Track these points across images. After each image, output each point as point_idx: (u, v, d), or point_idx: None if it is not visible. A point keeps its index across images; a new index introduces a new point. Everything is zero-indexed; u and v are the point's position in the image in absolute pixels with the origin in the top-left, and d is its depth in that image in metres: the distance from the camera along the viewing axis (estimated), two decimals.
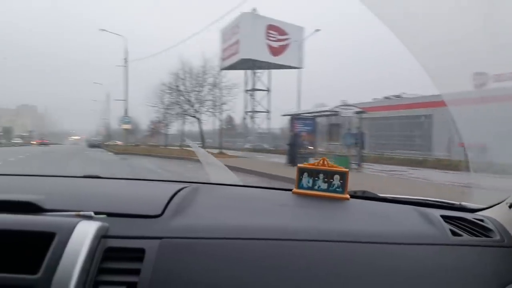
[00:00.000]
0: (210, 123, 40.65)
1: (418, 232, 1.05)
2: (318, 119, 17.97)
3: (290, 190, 1.35)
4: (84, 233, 0.84)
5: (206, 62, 37.18)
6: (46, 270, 0.77)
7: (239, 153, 32.54)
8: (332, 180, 1.29)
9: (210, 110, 36.66)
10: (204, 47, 44.95)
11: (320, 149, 17.60)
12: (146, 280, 0.81)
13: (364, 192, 1.43)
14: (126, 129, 38.63)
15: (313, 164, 1.32)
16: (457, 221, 1.18)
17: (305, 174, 1.31)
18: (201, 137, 36.48)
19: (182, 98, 37.94)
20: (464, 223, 1.17)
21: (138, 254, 0.86)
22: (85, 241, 0.82)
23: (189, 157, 17.29)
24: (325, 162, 1.32)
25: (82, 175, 1.62)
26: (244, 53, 48.74)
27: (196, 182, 1.46)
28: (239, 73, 44.88)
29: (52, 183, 1.51)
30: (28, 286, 0.76)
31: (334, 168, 1.30)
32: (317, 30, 38.73)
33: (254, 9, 49.65)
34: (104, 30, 36.63)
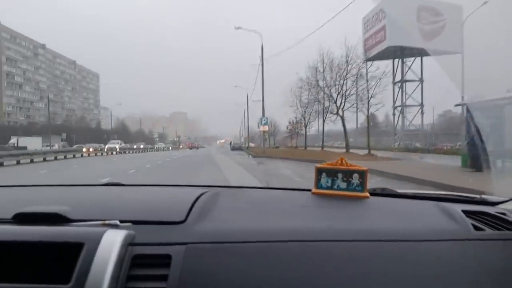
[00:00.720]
0: (348, 121, 36.49)
1: (440, 228, 1.05)
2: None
3: (309, 190, 1.35)
4: (112, 242, 0.85)
5: (348, 51, 32.52)
6: (77, 279, 0.78)
7: (390, 154, 27.87)
8: (351, 179, 1.29)
9: (355, 105, 32.20)
10: (345, 33, 41.00)
11: None
12: (174, 286, 0.82)
13: (383, 189, 1.43)
14: (264, 131, 36.67)
15: (331, 164, 1.33)
16: (478, 215, 1.17)
17: (324, 174, 1.31)
18: (345, 137, 32.58)
19: (322, 94, 34.49)
20: (486, 217, 1.16)
21: (164, 260, 0.87)
22: (113, 249, 0.83)
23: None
24: (343, 162, 1.32)
25: (104, 183, 1.67)
26: (392, 40, 43.53)
27: (215, 186, 1.47)
28: (385, 64, 39.75)
29: (75, 193, 1.56)
30: None
31: (353, 167, 1.30)
32: (485, 2, 31.70)
33: None
34: (240, 28, 35.08)
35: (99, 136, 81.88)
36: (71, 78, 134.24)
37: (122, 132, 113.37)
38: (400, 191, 1.44)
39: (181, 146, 68.98)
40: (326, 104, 34.71)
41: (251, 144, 64.53)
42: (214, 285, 0.83)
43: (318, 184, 1.32)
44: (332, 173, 1.30)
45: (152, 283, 0.83)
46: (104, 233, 0.86)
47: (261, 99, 34.30)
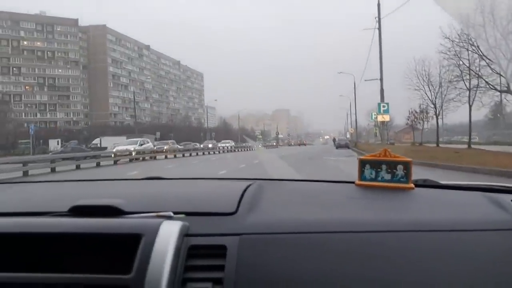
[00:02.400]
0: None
1: (488, 218, 1.03)
2: None
3: (352, 182, 1.34)
4: (169, 233, 0.87)
5: None
6: (138, 270, 0.80)
7: None
8: (395, 171, 1.28)
9: None
10: None
11: None
12: (231, 276, 0.83)
13: (425, 180, 1.41)
14: (382, 122, 25.86)
15: (375, 155, 1.32)
16: None
17: (367, 166, 1.31)
18: None
19: (475, 64, 23.32)
20: None
21: (220, 251, 0.88)
22: (171, 240, 0.85)
23: None
24: (387, 153, 1.31)
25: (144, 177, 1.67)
26: None
27: (258, 178, 1.46)
28: None
29: (125, 187, 1.61)
30: (123, 285, 0.80)
31: (397, 159, 1.29)
32: None
33: None
34: None
35: (196, 135, 77.96)
36: (175, 78, 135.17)
37: (224, 130, 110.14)
38: (442, 182, 1.43)
39: (274, 144, 61.31)
40: (477, 80, 23.58)
41: (355, 140, 54.34)
42: (269, 275, 0.84)
43: (361, 176, 1.31)
44: (376, 164, 1.30)
45: (209, 273, 0.83)
46: (160, 224, 0.88)
47: (378, 77, 24.04)
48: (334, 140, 72.53)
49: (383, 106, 23.88)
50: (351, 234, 0.93)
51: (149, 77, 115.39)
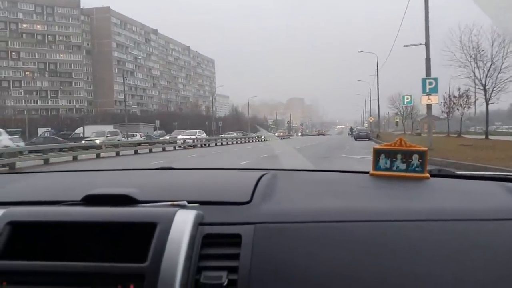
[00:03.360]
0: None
1: (506, 208, 1.03)
2: None
3: (367, 172, 1.32)
4: (184, 221, 0.87)
5: None
6: (153, 258, 0.80)
7: None
8: (411, 160, 1.27)
9: None
10: None
11: None
12: (246, 265, 0.83)
13: (440, 170, 1.40)
14: (428, 107, 18.18)
15: (390, 145, 1.31)
16: None
17: (382, 156, 1.29)
18: None
19: None
20: None
21: (235, 240, 0.88)
22: (185, 229, 0.85)
23: None
24: (402, 142, 1.30)
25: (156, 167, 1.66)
26: None
27: (271, 169, 1.45)
28: None
29: (138, 176, 1.58)
30: (139, 274, 0.80)
31: (413, 148, 1.28)
32: None
33: None
34: None
35: (203, 124, 72.65)
36: (185, 65, 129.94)
37: (233, 119, 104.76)
38: (457, 172, 1.43)
39: (275, 134, 55.79)
40: None
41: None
42: (284, 264, 0.84)
43: (376, 166, 1.30)
44: (391, 154, 1.28)
45: (223, 262, 0.84)
46: (175, 213, 0.88)
47: (424, 42, 17.50)
48: (351, 130, 65.75)
49: (430, 84, 16.56)
50: (367, 223, 0.92)
51: (156, 63, 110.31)
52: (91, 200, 0.99)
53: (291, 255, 0.85)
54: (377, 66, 44.14)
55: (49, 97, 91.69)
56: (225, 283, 0.80)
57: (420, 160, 1.25)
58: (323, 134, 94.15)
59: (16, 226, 0.89)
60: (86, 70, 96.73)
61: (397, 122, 55.59)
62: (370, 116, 59.67)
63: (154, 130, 60.44)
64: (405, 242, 0.87)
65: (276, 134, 53.57)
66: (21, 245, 0.87)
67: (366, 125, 62.23)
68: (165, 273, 0.79)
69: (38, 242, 0.89)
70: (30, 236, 0.89)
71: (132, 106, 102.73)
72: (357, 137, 41.76)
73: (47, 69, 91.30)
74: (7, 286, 0.81)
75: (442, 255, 0.85)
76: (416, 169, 1.25)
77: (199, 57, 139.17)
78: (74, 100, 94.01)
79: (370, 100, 57.72)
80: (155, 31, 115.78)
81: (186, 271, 0.80)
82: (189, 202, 0.99)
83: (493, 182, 1.24)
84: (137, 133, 44.01)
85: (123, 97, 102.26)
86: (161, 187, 1.23)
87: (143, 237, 0.84)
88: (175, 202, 0.98)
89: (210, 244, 0.87)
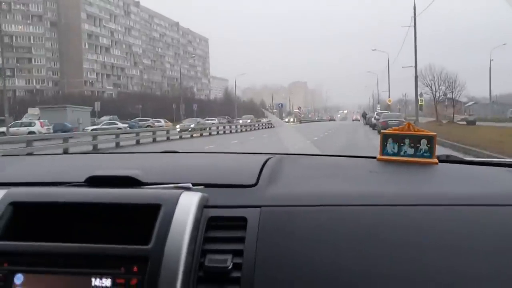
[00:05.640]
0: None
1: None
2: None
3: (374, 157, 1.32)
4: (188, 204, 0.86)
5: None
6: (157, 240, 0.80)
7: None
8: (419, 145, 1.26)
9: None
10: None
11: None
12: (251, 248, 0.82)
13: (448, 156, 1.39)
14: None
15: (398, 129, 1.30)
16: None
17: (390, 140, 1.28)
18: None
19: None
20: None
21: (240, 223, 0.87)
22: (190, 211, 0.85)
23: None
24: (411, 127, 1.29)
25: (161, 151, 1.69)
26: None
27: (278, 153, 1.43)
28: None
29: (143, 159, 1.60)
30: (142, 256, 0.79)
31: (421, 133, 1.27)
32: None
33: None
34: None
35: (189, 109, 59.65)
36: (173, 42, 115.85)
37: (227, 104, 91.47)
38: (466, 158, 1.41)
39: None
40: None
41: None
42: (290, 248, 0.83)
43: (383, 151, 1.29)
44: (399, 138, 1.27)
45: (228, 245, 0.83)
46: (180, 195, 0.88)
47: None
48: (364, 115, 52.23)
49: None
50: (374, 207, 0.92)
51: (138, 39, 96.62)
52: (94, 181, 0.98)
53: (297, 239, 0.84)
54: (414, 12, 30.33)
55: (2, 76, 78.44)
56: (230, 266, 0.79)
57: (428, 145, 1.23)
58: (334, 120, 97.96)
59: (18, 207, 0.87)
60: (51, 45, 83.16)
61: (421, 105, 40.39)
62: (389, 98, 46.15)
63: (100, 117, 46.89)
64: (413, 227, 0.87)
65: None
66: (24, 227, 0.86)
67: (378, 109, 48.63)
68: (169, 255, 0.78)
69: (40, 223, 0.88)
70: (32, 218, 0.88)
71: (107, 87, 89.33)
72: (386, 127, 27.95)
73: (0, 42, 77.80)
74: (8, 267, 0.79)
75: (450, 239, 0.84)
76: (424, 154, 1.23)
77: (190, 34, 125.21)
78: (34, 80, 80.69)
79: (389, 78, 44.07)
80: (136, 3, 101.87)
81: (191, 254, 0.79)
82: (194, 185, 0.97)
83: (502, 167, 1.24)
84: (35, 121, 31.25)
85: (94, 76, 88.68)
86: (166, 170, 1.22)
87: (147, 219, 0.83)
88: (179, 185, 0.96)
89: (215, 227, 0.86)
